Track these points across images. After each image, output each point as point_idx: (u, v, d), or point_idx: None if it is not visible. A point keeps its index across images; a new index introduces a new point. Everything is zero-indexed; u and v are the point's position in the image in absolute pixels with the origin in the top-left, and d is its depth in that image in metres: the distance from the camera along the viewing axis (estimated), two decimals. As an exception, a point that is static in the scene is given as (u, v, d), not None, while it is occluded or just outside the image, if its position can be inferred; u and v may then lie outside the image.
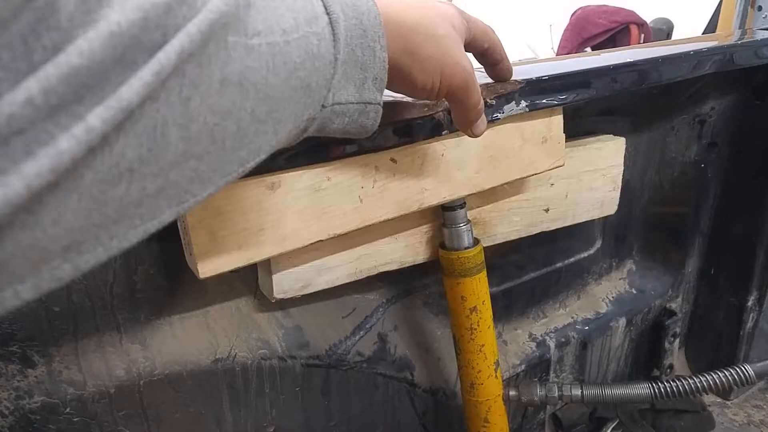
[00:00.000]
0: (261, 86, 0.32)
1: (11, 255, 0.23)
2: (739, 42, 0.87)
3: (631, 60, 0.79)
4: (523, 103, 0.70)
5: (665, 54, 0.81)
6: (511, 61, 0.67)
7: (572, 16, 3.09)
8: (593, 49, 2.99)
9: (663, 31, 3.19)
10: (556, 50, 3.48)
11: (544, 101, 0.71)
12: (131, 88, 0.24)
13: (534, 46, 4.14)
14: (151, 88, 0.25)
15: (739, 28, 2.09)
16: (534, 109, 0.71)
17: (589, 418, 1.11)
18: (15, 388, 0.61)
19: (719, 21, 2.53)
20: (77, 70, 0.22)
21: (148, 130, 0.25)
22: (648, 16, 2.98)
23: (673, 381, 0.75)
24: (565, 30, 3.08)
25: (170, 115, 0.26)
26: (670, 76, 0.81)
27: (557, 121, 0.76)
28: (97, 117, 0.23)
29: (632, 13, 2.85)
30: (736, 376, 0.71)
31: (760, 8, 2.47)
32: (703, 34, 2.97)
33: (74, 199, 0.24)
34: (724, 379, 0.71)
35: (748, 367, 0.72)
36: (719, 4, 2.81)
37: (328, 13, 0.38)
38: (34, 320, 0.61)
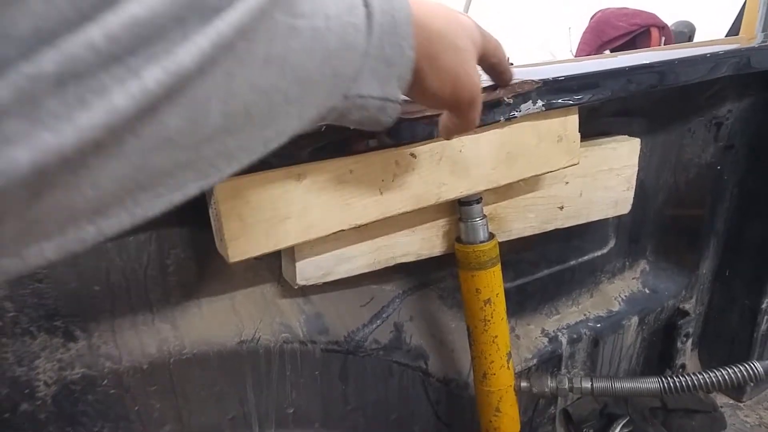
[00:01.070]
0: (298, 68, 0.31)
1: (46, 213, 0.23)
2: (757, 45, 0.89)
3: (647, 62, 0.81)
4: (540, 103, 0.72)
5: (681, 56, 0.83)
6: (528, 63, 0.70)
7: (592, 18, 3.09)
8: (612, 51, 2.99)
9: (684, 34, 3.17)
10: (574, 53, 3.48)
11: (559, 101, 0.74)
12: (188, 53, 0.23)
13: (553, 48, 4.15)
14: (206, 56, 0.24)
15: (763, 31, 2.08)
16: (550, 108, 0.74)
17: (599, 414, 1.13)
18: (58, 360, 0.65)
19: (742, 24, 2.51)
20: (137, 20, 0.21)
21: (194, 101, 0.25)
22: (669, 19, 2.97)
23: (682, 376, 0.76)
24: (584, 32, 3.08)
25: (215, 88, 0.26)
26: (686, 78, 0.83)
27: (573, 120, 0.78)
28: (152, 77, 0.22)
29: (653, 16, 2.84)
30: (745, 373, 0.73)
31: (784, 13, 2.45)
32: (727, 35, 2.95)
33: (115, 163, 0.23)
34: (733, 376, 0.73)
35: (757, 364, 0.73)
36: (742, 7, 2.79)
37: (366, 5, 0.38)
38: (76, 298, 0.65)
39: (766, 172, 1.04)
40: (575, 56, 3.42)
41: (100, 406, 0.69)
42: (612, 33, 2.92)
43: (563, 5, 4.25)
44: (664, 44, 2.99)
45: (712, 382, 0.74)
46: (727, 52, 0.84)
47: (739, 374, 0.73)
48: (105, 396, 0.69)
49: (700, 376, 0.75)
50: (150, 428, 0.74)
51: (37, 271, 0.62)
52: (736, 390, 1.16)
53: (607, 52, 2.96)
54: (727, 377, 0.73)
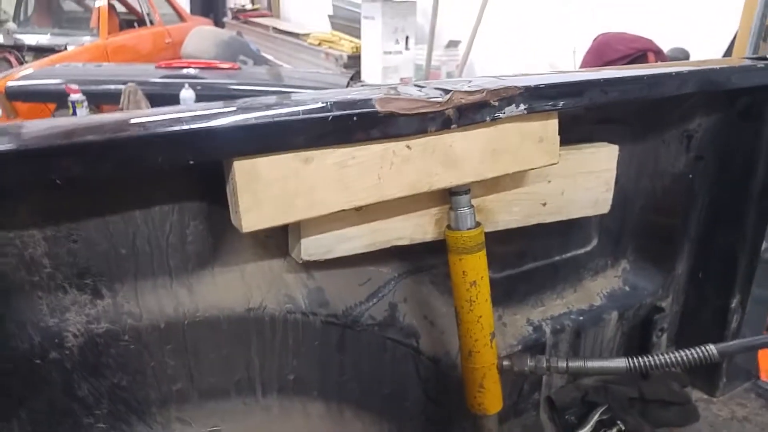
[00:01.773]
0: None
1: None
2: (718, 67, 0.98)
3: (620, 76, 0.91)
4: (522, 106, 0.82)
5: (651, 72, 0.92)
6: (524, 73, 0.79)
7: (594, 41, 3.20)
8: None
9: (679, 60, 3.28)
10: (578, 73, 3.58)
11: (540, 105, 0.83)
12: None
13: (557, 67, 4.27)
14: None
15: (753, 53, 2.18)
16: (532, 112, 0.83)
17: (581, 401, 1.20)
18: (86, 314, 0.74)
19: (733, 52, 2.62)
20: None
21: None
22: (666, 45, 3.08)
23: (645, 356, 0.84)
24: (586, 54, 3.19)
25: None
26: (654, 93, 0.93)
27: (552, 123, 0.88)
28: None
29: (650, 42, 2.95)
30: (700, 354, 0.81)
31: (773, 40, 2.55)
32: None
33: None
34: (689, 356, 0.81)
35: (712, 347, 0.81)
36: (734, 36, 2.90)
37: None
38: (105, 259, 0.74)
39: (732, 181, 1.12)
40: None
41: (120, 359, 0.78)
42: (612, 55, 3.03)
43: (569, 29, 4.38)
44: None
45: (670, 361, 0.82)
46: (691, 72, 0.93)
47: (694, 354, 0.81)
48: (125, 350, 0.78)
49: (660, 356, 0.83)
50: (163, 384, 0.83)
51: (72, 232, 0.71)
52: (706, 383, 1.23)
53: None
54: (684, 357, 0.81)
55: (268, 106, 0.68)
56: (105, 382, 0.76)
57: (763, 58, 1.10)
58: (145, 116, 0.63)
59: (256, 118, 0.66)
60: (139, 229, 0.74)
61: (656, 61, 2.73)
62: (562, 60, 4.31)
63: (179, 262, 0.79)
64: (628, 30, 2.98)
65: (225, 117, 0.65)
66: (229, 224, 0.74)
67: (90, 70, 3.95)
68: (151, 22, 6.13)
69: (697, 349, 0.83)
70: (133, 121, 0.62)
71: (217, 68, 3.76)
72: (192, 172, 0.68)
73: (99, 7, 5.31)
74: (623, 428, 1.12)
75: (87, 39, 5.13)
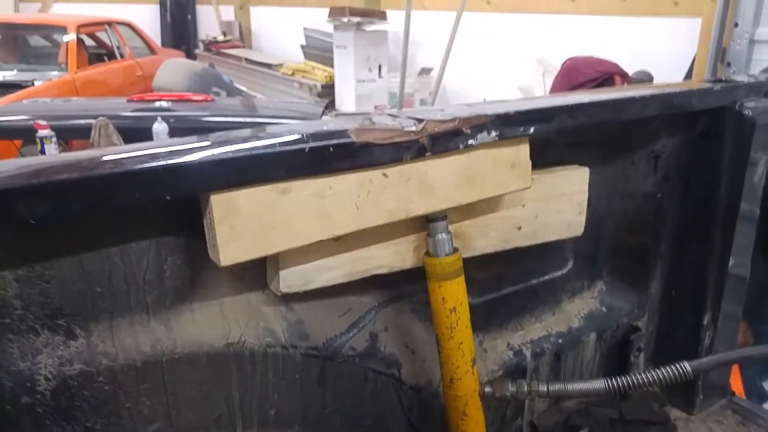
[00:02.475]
0: None
1: None
2: (678, 90, 1.02)
3: (587, 101, 0.94)
4: (494, 133, 0.83)
5: (616, 97, 0.95)
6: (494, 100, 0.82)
7: (563, 65, 3.30)
8: (581, 97, 3.18)
9: (644, 82, 3.40)
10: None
11: (511, 132, 0.85)
12: None
13: (526, 90, 4.39)
14: None
15: (711, 77, 2.28)
16: (503, 138, 0.85)
17: (563, 425, 1.20)
18: (59, 356, 0.72)
19: (693, 75, 2.74)
20: None
21: None
22: (630, 69, 3.19)
23: (623, 377, 0.86)
24: (555, 78, 3.28)
25: None
26: (622, 115, 0.96)
27: (524, 149, 0.90)
28: None
29: (615, 65, 3.05)
30: (675, 372, 0.82)
31: (729, 64, 2.68)
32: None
33: None
34: (665, 374, 0.82)
35: (686, 364, 0.83)
36: (693, 60, 3.03)
37: None
38: (80, 298, 0.72)
39: (698, 200, 1.16)
40: (547, 101, 3.61)
41: (94, 401, 0.75)
42: (580, 78, 3.12)
43: (538, 53, 4.51)
44: (628, 91, 3.20)
45: (647, 380, 0.83)
46: (653, 95, 0.97)
47: (670, 373, 0.82)
48: (100, 392, 0.75)
49: (638, 376, 0.84)
50: (139, 425, 0.80)
51: (45, 272, 0.69)
52: (683, 402, 1.25)
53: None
54: (660, 376, 0.83)
55: (245, 139, 0.69)
56: (78, 427, 0.74)
57: (720, 81, 1.15)
58: (119, 153, 0.63)
59: (232, 151, 0.66)
60: (116, 266, 0.73)
61: (622, 84, 2.83)
62: (531, 83, 4.43)
63: (157, 299, 0.78)
64: (596, 54, 3.08)
65: (201, 151, 0.65)
66: (207, 258, 0.74)
67: (58, 105, 3.89)
68: (122, 56, 6.11)
69: (672, 367, 0.85)
70: (107, 158, 0.61)
71: (190, 100, 3.75)
72: (169, 206, 0.67)
73: (67, 42, 5.28)
74: (606, 450, 1.13)
75: (55, 74, 5.08)
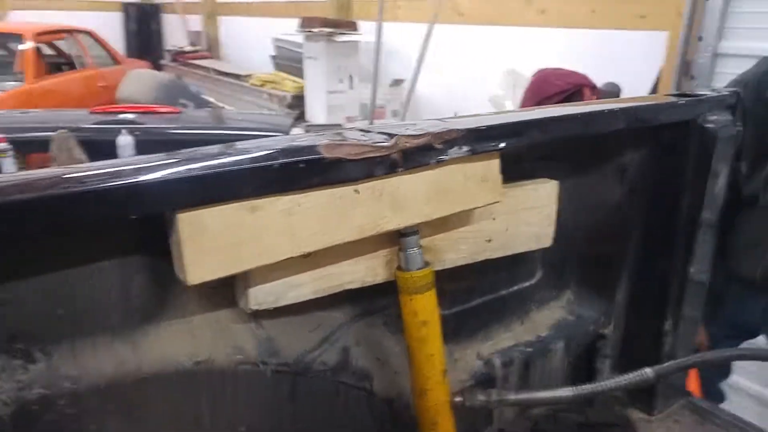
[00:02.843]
0: None
1: None
2: (643, 104, 1.05)
3: (555, 115, 0.96)
4: (465, 148, 0.84)
5: (582, 111, 0.98)
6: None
7: (533, 77, 3.36)
8: (548, 108, 3.25)
9: (612, 93, 3.49)
10: (518, 107, 3.75)
11: (482, 147, 0.86)
12: None
13: (497, 101, 4.45)
14: None
15: (676, 90, 2.35)
16: (474, 153, 0.86)
17: (532, 431, 1.22)
18: (17, 381, 0.70)
19: (659, 88, 2.82)
20: None
21: None
22: (599, 80, 3.28)
23: (588, 384, 0.88)
24: (526, 90, 3.34)
25: None
26: (590, 129, 0.98)
27: (495, 163, 0.91)
28: None
29: (584, 77, 3.13)
30: (636, 377, 0.85)
31: (693, 77, 2.77)
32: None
33: None
34: (627, 380, 0.85)
35: (648, 370, 0.86)
36: (659, 73, 3.13)
37: None
38: (40, 320, 0.70)
39: (662, 211, 1.19)
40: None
41: (56, 425, 0.73)
42: (550, 90, 3.19)
43: (508, 64, 4.59)
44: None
45: (611, 386, 0.85)
46: (621, 109, 1.00)
47: (632, 379, 0.85)
48: (62, 416, 0.73)
49: (602, 383, 0.86)
50: None
51: (1, 295, 0.67)
52: (644, 403, 1.29)
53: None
54: (623, 381, 0.85)
55: (212, 156, 0.68)
56: None
57: (685, 95, 1.19)
58: (81, 171, 0.61)
59: (199, 169, 0.65)
60: (79, 287, 0.71)
61: (591, 96, 2.90)
62: (502, 94, 4.50)
63: (122, 319, 0.76)
64: (565, 66, 3.15)
65: (167, 169, 0.64)
66: (174, 276, 0.72)
67: (15, 116, 3.77)
68: (83, 65, 5.96)
69: (634, 374, 0.87)
70: (67, 176, 0.60)
71: (156, 112, 3.68)
72: (134, 224, 0.66)
73: (24, 50, 5.12)
74: (573, 455, 1.14)
75: (11, 84, 4.92)
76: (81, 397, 0.73)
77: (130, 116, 3.46)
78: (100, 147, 3.09)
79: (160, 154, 0.67)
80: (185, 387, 0.80)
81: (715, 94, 1.18)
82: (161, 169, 0.63)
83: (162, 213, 0.67)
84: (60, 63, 6.04)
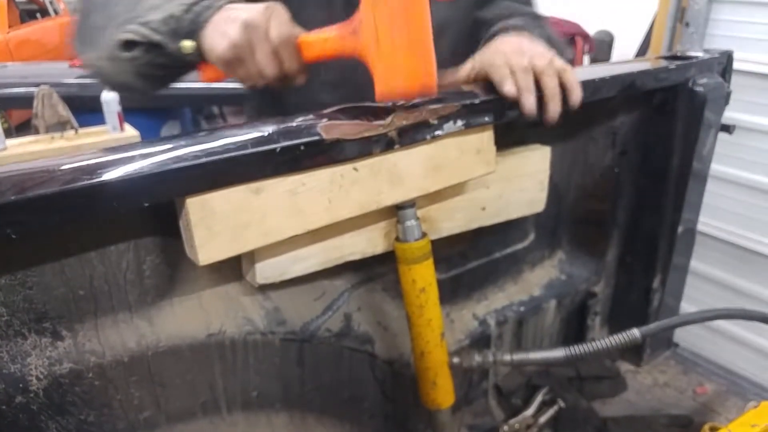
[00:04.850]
0: None
1: None
2: (637, 70, 1.07)
3: None
4: (460, 122, 0.86)
5: (580, 79, 0.99)
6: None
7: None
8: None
9: (605, 42, 3.45)
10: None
11: (476, 120, 0.88)
12: None
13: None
14: None
15: (668, 51, 2.34)
16: (469, 127, 0.88)
17: (525, 386, 1.30)
18: (48, 357, 0.74)
19: (653, 35, 2.78)
20: None
21: None
22: (592, 29, 3.23)
23: (580, 345, 0.94)
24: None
25: None
26: (584, 97, 1.00)
27: (488, 135, 0.93)
28: None
29: (577, 26, 3.09)
30: (624, 338, 0.91)
31: (687, 24, 2.73)
32: (640, 44, 3.24)
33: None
34: (616, 341, 0.91)
35: (635, 331, 0.92)
36: (653, 20, 3.08)
37: None
38: (63, 302, 0.74)
39: (652, 173, 1.23)
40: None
41: (86, 396, 0.78)
42: (542, 40, 3.15)
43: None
44: (588, 51, 3.25)
45: (601, 347, 0.91)
46: (612, 77, 1.01)
47: (620, 339, 0.91)
48: (90, 387, 0.78)
49: (592, 344, 0.92)
50: (131, 414, 0.84)
51: (27, 279, 0.71)
52: (632, 356, 1.37)
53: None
54: (612, 342, 0.91)
55: (216, 142, 0.70)
56: (72, 420, 0.77)
57: (676, 57, 1.20)
58: (95, 159, 0.64)
59: (205, 156, 0.67)
60: (96, 269, 0.75)
61: (584, 45, 2.87)
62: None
63: (138, 297, 0.80)
64: (558, 15, 3.11)
65: (174, 158, 0.66)
66: (184, 255, 0.76)
67: (-7, 72, 3.68)
68: (56, 12, 5.72)
69: (623, 334, 0.93)
70: (87, 166, 0.62)
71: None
72: (145, 209, 0.69)
73: (-4, -2, 4.92)
74: (563, 405, 1.22)
75: (-16, 36, 4.77)
76: (106, 370, 0.78)
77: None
78: (83, 102, 3.03)
79: (167, 142, 0.69)
80: (200, 358, 0.86)
81: (706, 56, 1.19)
82: (169, 159, 0.65)
83: (172, 199, 0.70)
84: (32, 10, 5.80)
